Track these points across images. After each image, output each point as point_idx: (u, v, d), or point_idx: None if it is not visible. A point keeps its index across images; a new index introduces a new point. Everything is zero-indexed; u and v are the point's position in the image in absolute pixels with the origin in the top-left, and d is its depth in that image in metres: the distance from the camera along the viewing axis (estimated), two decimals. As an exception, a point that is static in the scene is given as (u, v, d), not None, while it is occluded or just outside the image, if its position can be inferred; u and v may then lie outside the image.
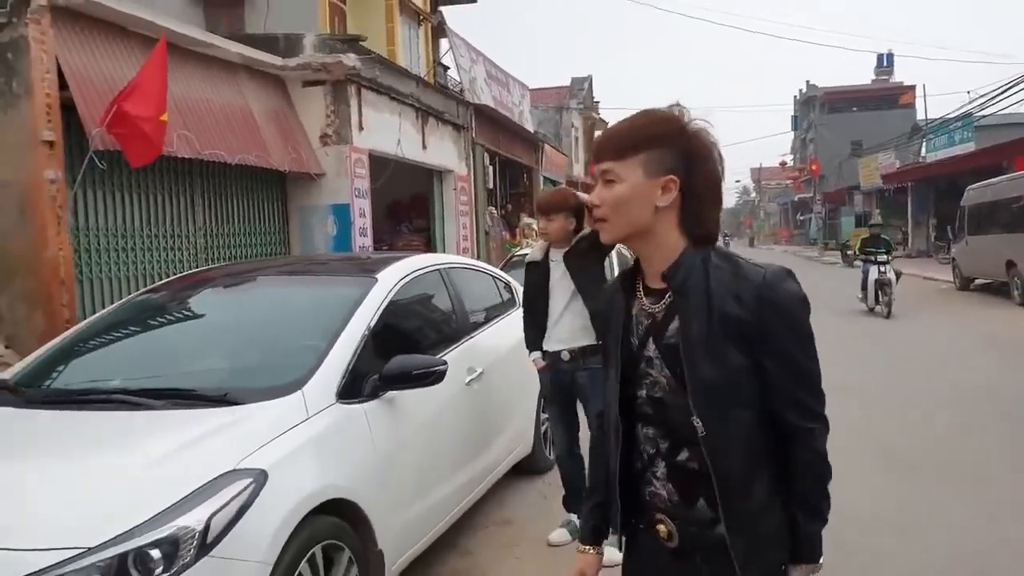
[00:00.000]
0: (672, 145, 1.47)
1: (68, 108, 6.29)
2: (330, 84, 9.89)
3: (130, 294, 7.12)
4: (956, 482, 4.79)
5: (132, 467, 2.42)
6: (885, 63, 53.02)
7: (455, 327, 4.10)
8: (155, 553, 2.10)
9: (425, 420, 3.39)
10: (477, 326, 4.31)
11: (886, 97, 49.15)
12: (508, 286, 5.10)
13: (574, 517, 3.95)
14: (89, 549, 2.06)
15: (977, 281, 17.17)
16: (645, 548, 1.60)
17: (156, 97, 6.22)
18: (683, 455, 1.52)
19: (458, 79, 16.78)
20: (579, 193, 4.19)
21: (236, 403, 2.72)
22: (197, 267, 8.13)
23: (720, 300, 1.44)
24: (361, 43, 10.56)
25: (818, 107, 53.59)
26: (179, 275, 4.68)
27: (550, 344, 3.96)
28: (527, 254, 4.41)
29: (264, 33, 10.03)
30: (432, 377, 3.09)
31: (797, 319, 1.50)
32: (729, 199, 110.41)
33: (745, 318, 1.44)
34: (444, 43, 19.58)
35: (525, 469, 4.86)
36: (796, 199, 56.52)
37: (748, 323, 1.44)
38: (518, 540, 4.08)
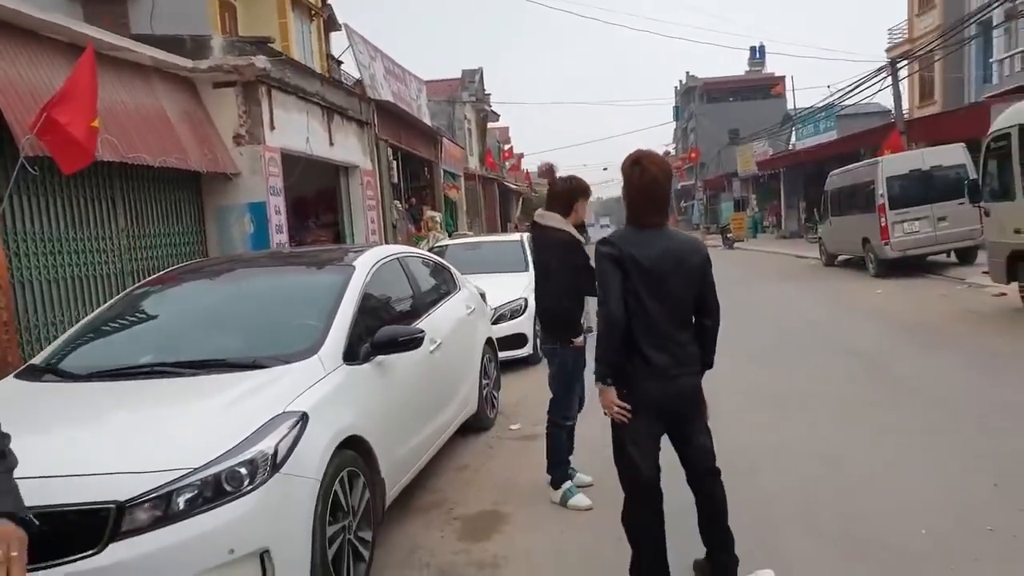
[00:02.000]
0: None
1: (-6, 115, 6.41)
2: (241, 85, 10.13)
3: (61, 296, 7.36)
4: (821, 415, 5.81)
5: (207, 412, 3.03)
6: (757, 55, 56.39)
7: (416, 305, 4.78)
8: (242, 470, 2.73)
9: (404, 380, 4.05)
10: (432, 304, 4.99)
11: (759, 87, 52.38)
12: (447, 271, 5.77)
13: (567, 483, 4.39)
14: (194, 469, 2.67)
15: (840, 257, 18.99)
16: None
17: (86, 104, 6.42)
18: None
19: (353, 74, 17.09)
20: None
21: (265, 367, 3.30)
22: (122, 268, 8.31)
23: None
24: (269, 44, 10.83)
25: (697, 97, 56.45)
26: (167, 270, 5.10)
27: (588, 320, 4.30)
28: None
29: (170, 35, 10.14)
30: (414, 343, 3.79)
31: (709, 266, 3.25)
32: (616, 188, 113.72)
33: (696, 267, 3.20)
34: (335, 36, 19.80)
35: (472, 427, 5.59)
36: (679, 187, 59.36)
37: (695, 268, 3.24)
38: (474, 480, 4.89)
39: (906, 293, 12.94)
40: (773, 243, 30.46)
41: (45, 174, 6.95)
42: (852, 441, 5.21)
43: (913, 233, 15.18)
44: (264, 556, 2.74)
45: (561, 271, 4.23)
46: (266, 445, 2.83)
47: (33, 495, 1.69)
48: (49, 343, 5.33)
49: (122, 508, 2.55)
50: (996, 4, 18.72)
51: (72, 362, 3.72)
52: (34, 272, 7.14)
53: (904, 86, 28.47)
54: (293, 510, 2.85)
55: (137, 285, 4.88)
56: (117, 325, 4.09)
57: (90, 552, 2.50)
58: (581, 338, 4.34)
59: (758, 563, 3.46)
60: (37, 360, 3.88)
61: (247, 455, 2.77)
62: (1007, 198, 9.84)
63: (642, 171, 3.21)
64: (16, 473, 1.79)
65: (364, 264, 4.30)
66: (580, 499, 4.32)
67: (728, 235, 30.85)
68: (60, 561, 2.44)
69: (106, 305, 4.51)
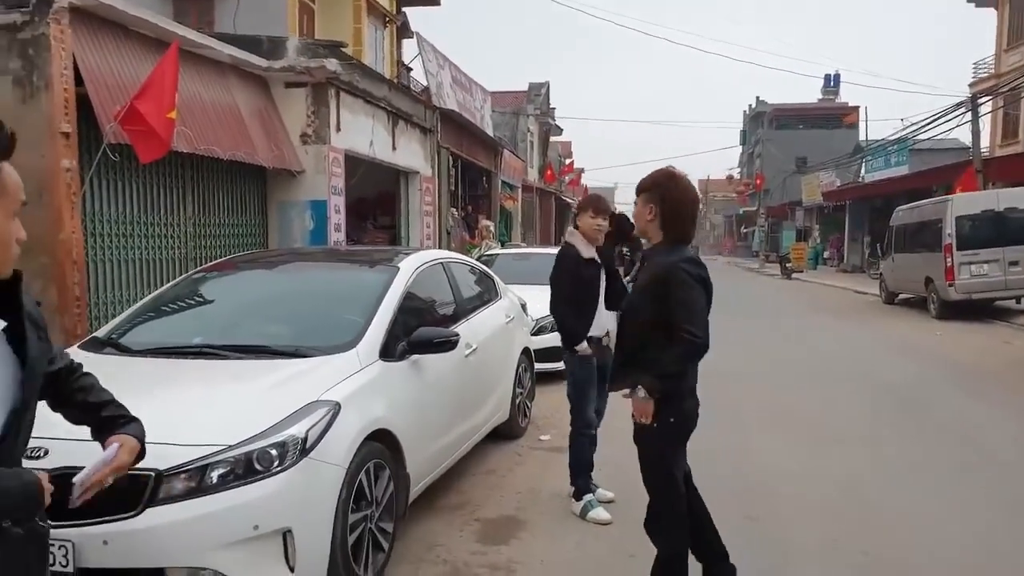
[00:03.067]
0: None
1: (82, 102, 6.83)
2: (311, 86, 10.50)
3: (130, 276, 7.76)
4: (849, 448, 5.76)
5: (246, 394, 3.25)
6: (832, 83, 55.21)
7: (456, 309, 4.94)
8: (273, 452, 2.91)
9: (437, 380, 4.20)
10: (472, 310, 5.14)
11: (831, 116, 51.29)
12: (491, 279, 5.92)
13: (589, 496, 4.48)
14: (229, 446, 2.87)
15: (901, 296, 18.52)
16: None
17: (166, 97, 6.80)
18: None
19: (421, 81, 17.48)
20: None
21: (305, 356, 3.50)
22: (187, 254, 8.71)
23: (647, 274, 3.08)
24: (342, 48, 11.20)
25: (766, 123, 55.65)
26: (226, 258, 5.40)
27: (593, 331, 4.42)
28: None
29: (249, 35, 10.58)
30: (448, 345, 3.94)
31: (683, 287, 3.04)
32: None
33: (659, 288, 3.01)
34: (406, 43, 20.29)
35: (502, 434, 5.69)
36: (741, 212, 58.57)
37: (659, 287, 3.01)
38: (499, 485, 4.97)
39: (966, 337, 12.57)
40: (833, 276, 29.81)
41: (124, 161, 7.36)
42: (878, 475, 5.17)
43: (981, 276, 14.69)
44: (286, 535, 2.90)
45: (552, 281, 4.44)
46: (297, 430, 3.00)
47: (82, 457, 1.87)
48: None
49: (160, 476, 2.75)
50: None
51: (131, 338, 3.98)
52: (107, 252, 7.55)
53: (986, 124, 27.64)
54: (318, 494, 3.02)
55: (197, 270, 5.19)
56: (175, 306, 4.36)
57: (129, 514, 2.70)
58: (584, 345, 4.41)
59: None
60: (100, 333, 4.16)
61: (279, 438, 2.95)
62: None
63: (687, 185, 3.18)
64: (68, 435, 2.05)
65: (408, 266, 4.47)
66: (600, 513, 4.38)
67: (787, 265, 30.30)
68: (101, 519, 2.64)
69: (167, 286, 4.81)
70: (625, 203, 78.94)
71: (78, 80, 6.77)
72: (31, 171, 6.50)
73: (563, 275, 4.36)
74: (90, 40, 7.09)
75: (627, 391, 3.04)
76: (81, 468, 1.80)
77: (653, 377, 2.91)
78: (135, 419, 1.97)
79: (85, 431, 1.96)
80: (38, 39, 6.57)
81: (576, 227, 4.50)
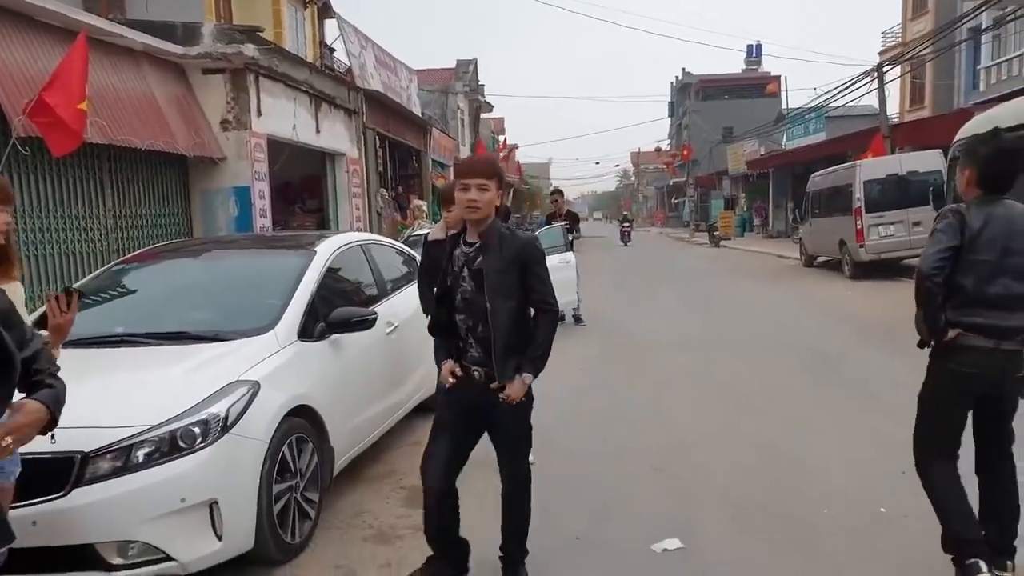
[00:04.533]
0: (500, 176, 3.12)
1: (-12, 97, 6.72)
2: (229, 72, 10.43)
3: (49, 270, 7.69)
4: (767, 402, 6.20)
5: (168, 378, 3.41)
6: (754, 54, 56.55)
7: (376, 290, 5.14)
8: (196, 430, 3.12)
9: (358, 358, 4.41)
10: (392, 290, 5.35)
11: (754, 86, 52.52)
12: (411, 259, 6.12)
13: None
14: (153, 426, 3.06)
15: (820, 259, 19.37)
16: (465, 386, 3.11)
17: (76, 88, 6.73)
18: (481, 329, 3.07)
19: (345, 60, 17.37)
20: None
21: (225, 340, 3.68)
22: (108, 246, 8.63)
23: (508, 250, 3.03)
24: (258, 32, 11.13)
25: (693, 94, 56.68)
26: (146, 249, 5.45)
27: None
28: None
29: (162, 21, 10.42)
30: (366, 323, 4.16)
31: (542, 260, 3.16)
32: (610, 183, 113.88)
33: (523, 261, 3.05)
34: (329, 23, 20.05)
35: (429, 407, 5.89)
36: (671, 183, 59.67)
37: (522, 265, 3.05)
38: None
39: (875, 295, 13.34)
40: (759, 243, 30.84)
41: (36, 154, 7.27)
42: (786, 430, 5.61)
43: (888, 237, 15.53)
44: (213, 506, 3.10)
45: None
46: (218, 408, 3.20)
47: None
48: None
49: (86, 458, 2.92)
50: (984, 7, 19.04)
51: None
52: (23, 248, 7.45)
53: (896, 91, 28.82)
54: (241, 467, 3.22)
55: (117, 261, 5.26)
56: (96, 298, 4.43)
57: (57, 495, 2.87)
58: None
59: (668, 534, 3.83)
60: None
61: (200, 416, 3.14)
62: (967, 206, 10.21)
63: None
64: None
65: (325, 249, 4.64)
66: None
67: (715, 233, 31.20)
68: (31, 502, 2.80)
69: (87, 278, 4.87)
70: (559, 178, 79.49)
71: (-17, 74, 6.66)
72: (-62, 169, 6.40)
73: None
74: (-7, 32, 6.96)
75: (509, 381, 3.08)
76: None
77: (536, 359, 3.09)
78: (53, 387, 2.01)
79: None
80: (-63, 33, 6.43)
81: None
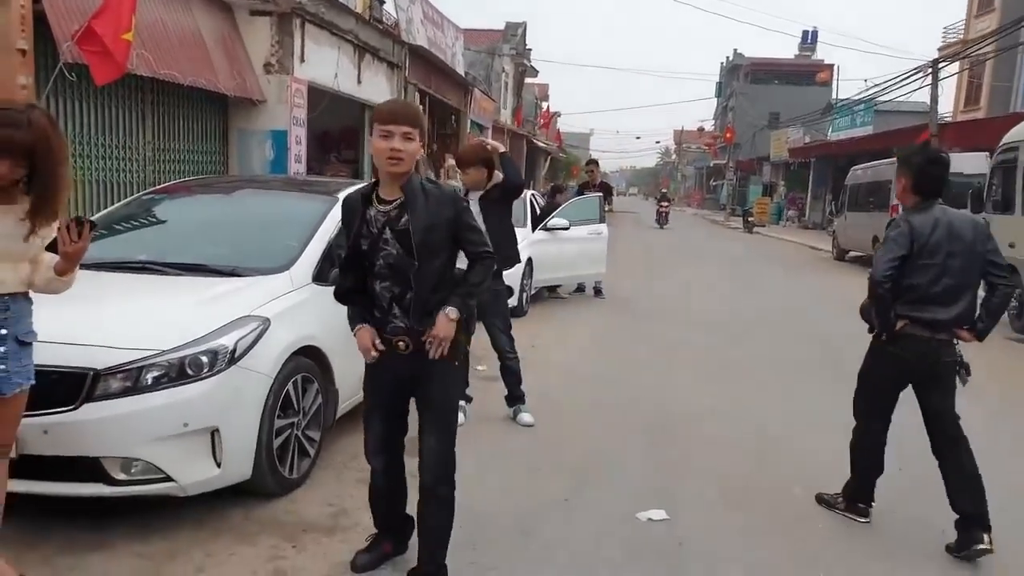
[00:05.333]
0: (423, 128, 2.77)
1: (39, 19, 6.85)
2: (276, 15, 10.50)
3: (86, 197, 7.90)
4: (774, 390, 6.24)
5: (183, 306, 3.55)
6: (809, 40, 55.24)
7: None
8: (204, 359, 3.25)
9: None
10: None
11: (806, 73, 51.39)
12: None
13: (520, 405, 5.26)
14: (163, 351, 3.19)
15: (852, 253, 19.12)
16: (389, 358, 2.84)
17: (123, 18, 6.84)
18: (408, 295, 2.77)
19: (394, 14, 17.33)
20: (487, 142, 5.30)
21: (241, 275, 3.82)
22: (144, 178, 8.83)
23: (435, 205, 2.75)
24: (308, -22, 11.15)
25: (742, 76, 55.61)
26: (176, 181, 5.58)
27: None
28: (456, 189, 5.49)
29: (214, -41, 10.47)
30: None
31: (468, 210, 2.90)
32: (649, 159, 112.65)
33: (450, 215, 2.78)
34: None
35: (435, 363, 6.05)
36: (711, 164, 58.91)
37: (452, 221, 2.79)
38: None
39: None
40: (793, 232, 30.47)
41: (81, 81, 7.42)
42: (781, 411, 5.67)
43: (923, 237, 15.27)
44: (214, 434, 3.25)
45: None
46: (228, 340, 3.32)
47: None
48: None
49: (98, 375, 3.06)
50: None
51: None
52: (61, 172, 7.66)
53: (951, 89, 27.98)
54: (244, 399, 3.35)
55: (149, 190, 5.43)
56: (124, 225, 4.60)
57: (68, 408, 3.02)
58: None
59: (655, 503, 3.92)
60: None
61: (210, 346, 3.26)
62: (1007, 211, 10.03)
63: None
64: None
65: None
66: (524, 417, 5.22)
67: (750, 219, 30.85)
68: (43, 412, 2.96)
69: (118, 205, 5.04)
70: (598, 150, 78.84)
71: (35, -2, 6.78)
72: (-14, 87, 6.58)
73: None
74: (47, -43, 7.06)
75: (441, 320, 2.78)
76: None
77: (464, 295, 2.83)
78: None
79: None
80: (-7, -46, 6.55)
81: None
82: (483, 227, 5.03)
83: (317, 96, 11.85)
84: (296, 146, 10.95)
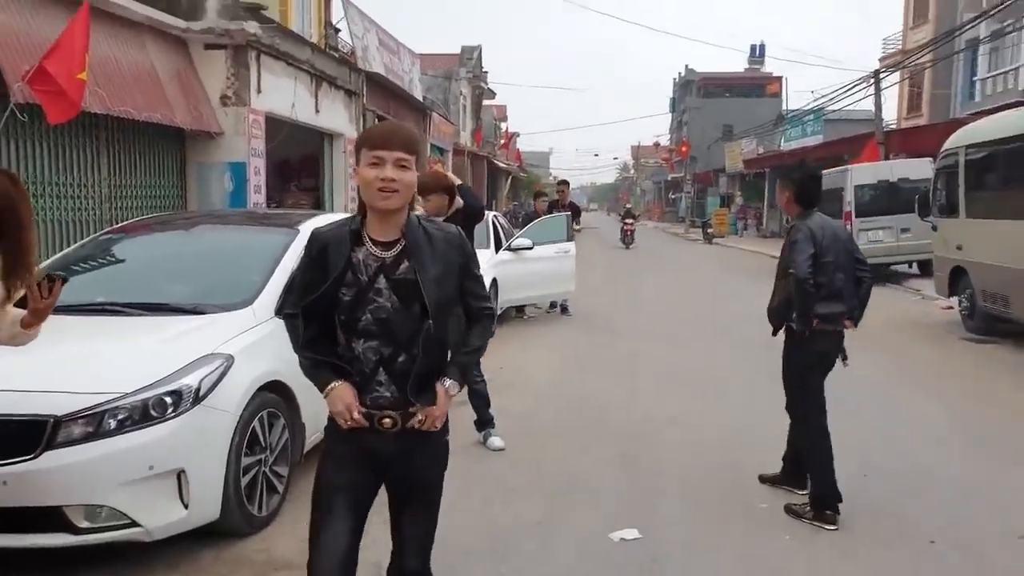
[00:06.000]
0: (422, 155, 2.37)
1: (-13, 62, 6.77)
2: (231, 48, 10.46)
3: (41, 237, 7.76)
4: (736, 396, 6.34)
5: (144, 346, 3.52)
6: (758, 54, 56.61)
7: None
8: (168, 399, 3.22)
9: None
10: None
11: (756, 85, 52.60)
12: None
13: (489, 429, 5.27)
14: (125, 394, 3.15)
15: (810, 261, 19.43)
16: (364, 433, 2.23)
17: (76, 56, 6.78)
18: (401, 359, 2.21)
19: (349, 43, 17.39)
20: (448, 174, 5.37)
21: (203, 313, 3.80)
22: (102, 215, 8.70)
23: (442, 250, 2.26)
24: (262, 11, 11.15)
25: (695, 91, 56.67)
26: (134, 220, 5.54)
27: None
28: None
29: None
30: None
31: (475, 256, 2.45)
32: (608, 175, 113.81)
33: (459, 261, 2.31)
34: (336, 3, 20.01)
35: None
36: (669, 178, 59.73)
37: (459, 268, 2.30)
38: None
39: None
40: (752, 242, 30.95)
41: (34, 121, 7.31)
42: (747, 418, 5.77)
43: (877, 242, 15.60)
44: (181, 475, 3.22)
45: None
46: (191, 379, 3.30)
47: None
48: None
49: (59, 422, 3.02)
50: (982, 18, 19.11)
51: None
52: (14, 213, 7.52)
53: (894, 98, 28.80)
54: (210, 438, 3.32)
55: (106, 230, 5.38)
56: (81, 266, 4.54)
57: (28, 457, 2.97)
58: None
59: (628, 522, 3.95)
60: None
61: (173, 386, 3.25)
62: (952, 215, 10.35)
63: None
64: None
65: (308, 229, 4.71)
66: (495, 441, 5.23)
67: (709, 230, 31.28)
68: (2, 462, 2.91)
69: (74, 246, 4.98)
70: (558, 168, 79.44)
71: (-17, 39, 6.71)
72: (-66, 131, 6.47)
73: None
74: (-4, -2, 7.00)
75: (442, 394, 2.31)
76: None
77: (464, 365, 2.39)
78: None
79: None
80: (-60, -3, 6.47)
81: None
82: None
83: (275, 126, 11.81)
84: (255, 177, 10.89)
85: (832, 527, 3.93)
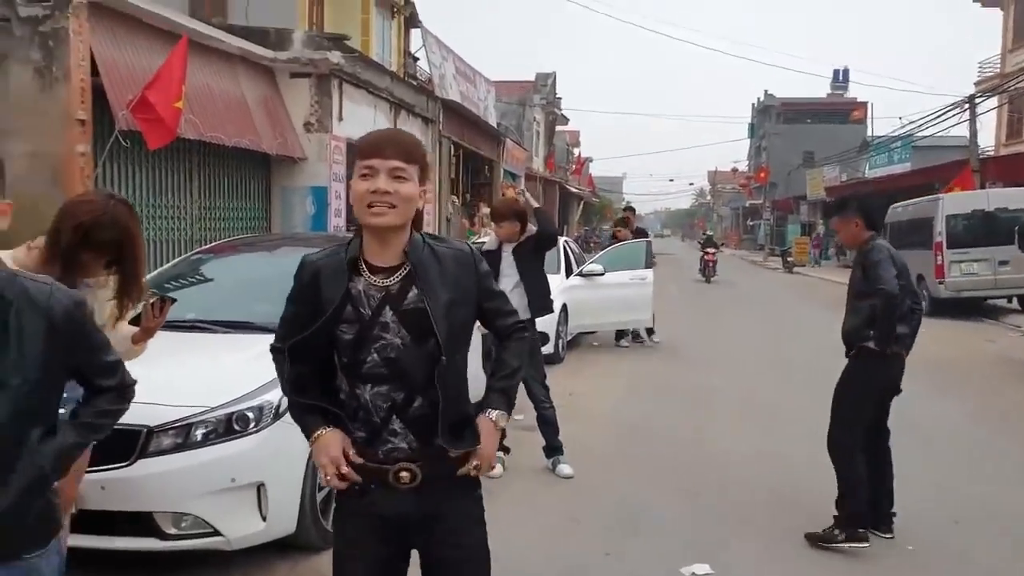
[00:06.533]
0: (425, 166, 1.95)
1: (97, 91, 7.24)
2: (315, 77, 10.91)
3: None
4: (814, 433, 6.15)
5: (229, 363, 3.71)
6: (841, 79, 55.24)
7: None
8: (250, 414, 3.37)
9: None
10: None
11: (839, 112, 51.33)
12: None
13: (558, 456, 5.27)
14: (211, 408, 3.33)
15: (894, 292, 18.73)
16: (377, 494, 1.90)
17: (174, 87, 7.21)
18: (417, 403, 1.89)
19: (427, 71, 17.85)
20: (528, 197, 5.46)
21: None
22: (192, 236, 9.15)
23: (452, 272, 1.92)
24: (345, 41, 11.60)
25: (774, 116, 55.68)
26: (222, 241, 5.83)
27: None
28: (484, 242, 5.62)
29: (258, 26, 10.98)
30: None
31: (490, 273, 2.11)
32: (684, 201, 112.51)
33: (474, 281, 1.97)
34: (415, 32, 20.62)
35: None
36: (747, 204, 58.65)
37: (475, 290, 1.97)
38: None
39: (950, 334, 12.85)
40: (833, 271, 30.03)
41: (134, 147, 7.78)
42: (824, 457, 5.57)
43: (971, 274, 14.88)
44: (260, 488, 3.35)
45: None
46: (272, 396, 3.42)
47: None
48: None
49: (151, 432, 3.21)
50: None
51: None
52: (114, 233, 7.98)
53: (992, 123, 27.61)
54: (289, 454, 3.43)
55: (197, 251, 5.67)
56: (174, 284, 4.79)
57: (124, 464, 3.16)
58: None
59: (699, 556, 3.89)
60: None
61: (256, 402, 3.39)
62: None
63: None
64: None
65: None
66: (563, 468, 5.20)
67: (788, 259, 30.53)
68: (102, 468, 3.08)
69: (168, 265, 5.27)
70: (632, 193, 79.05)
71: (94, 70, 7.18)
72: (48, 156, 6.95)
73: None
74: (106, 33, 7.50)
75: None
76: None
77: (507, 389, 2.09)
78: (65, 437, 1.85)
79: None
80: (58, 32, 6.97)
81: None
82: (517, 277, 5.21)
83: (355, 152, 12.19)
84: (336, 201, 11.26)
85: (866, 544, 3.98)
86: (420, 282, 1.89)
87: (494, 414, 2.00)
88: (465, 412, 1.99)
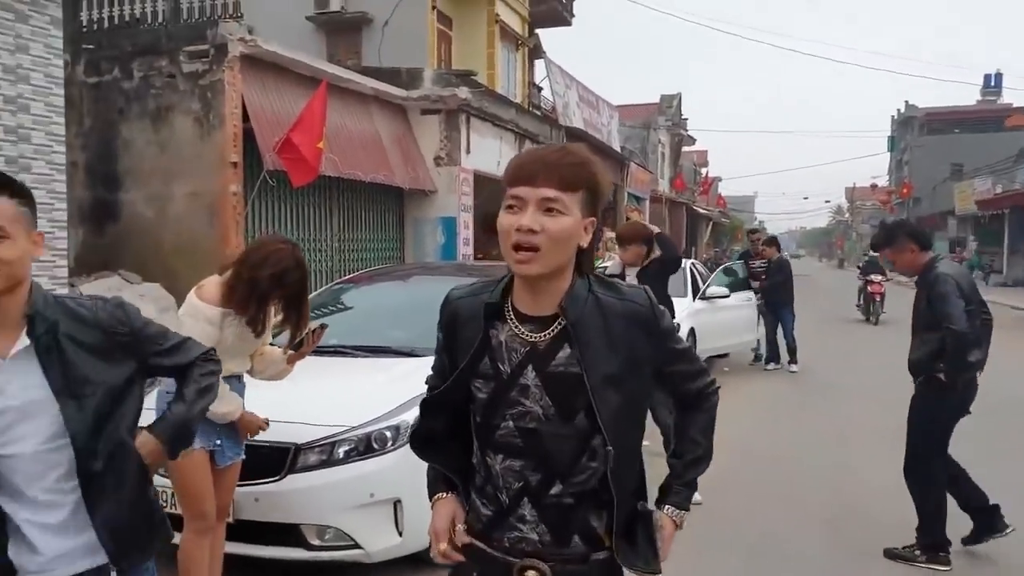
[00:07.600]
0: (594, 190, 1.53)
1: (247, 135, 7.92)
2: (444, 112, 11.40)
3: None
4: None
5: (370, 385, 3.99)
6: (993, 83, 51.40)
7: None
8: (388, 434, 3.58)
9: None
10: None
11: (991, 118, 47.67)
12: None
13: None
14: (353, 427, 3.57)
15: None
16: None
17: (316, 128, 7.75)
18: (556, 489, 1.54)
19: (551, 99, 18.14)
20: (645, 223, 5.51)
21: (419, 356, 4.17)
22: (332, 266, 9.74)
23: (621, 332, 1.53)
24: (472, 76, 12.05)
25: (916, 128, 52.45)
26: (360, 272, 6.32)
27: None
28: (607, 266, 5.69)
29: (389, 67, 11.62)
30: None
31: (672, 329, 1.66)
32: (820, 219, 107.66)
33: (649, 351, 1.57)
34: (539, 63, 21.05)
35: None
36: (890, 221, 55.39)
37: (652, 355, 1.58)
38: None
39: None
40: (989, 291, 27.83)
41: (279, 185, 8.42)
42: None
43: None
44: (396, 504, 3.54)
45: None
46: (408, 416, 3.58)
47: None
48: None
49: (299, 449, 3.47)
50: None
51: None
52: (263, 265, 8.64)
53: None
54: (422, 472, 3.60)
55: (338, 281, 6.08)
56: (318, 312, 5.14)
57: (275, 478, 3.43)
58: None
59: None
60: None
61: (393, 422, 3.59)
62: None
63: None
64: None
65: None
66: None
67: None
68: (256, 481, 3.39)
69: (314, 294, 5.67)
70: (764, 212, 76.40)
71: (244, 116, 7.86)
72: (205, 195, 7.66)
73: None
74: (255, 81, 8.20)
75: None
76: None
77: (691, 482, 1.76)
78: (174, 413, 1.91)
79: None
80: (215, 84, 7.72)
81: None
82: None
83: (482, 182, 12.59)
84: (464, 230, 11.66)
85: (947, 567, 3.98)
86: (577, 342, 1.52)
87: (676, 514, 1.67)
88: (635, 506, 1.63)
